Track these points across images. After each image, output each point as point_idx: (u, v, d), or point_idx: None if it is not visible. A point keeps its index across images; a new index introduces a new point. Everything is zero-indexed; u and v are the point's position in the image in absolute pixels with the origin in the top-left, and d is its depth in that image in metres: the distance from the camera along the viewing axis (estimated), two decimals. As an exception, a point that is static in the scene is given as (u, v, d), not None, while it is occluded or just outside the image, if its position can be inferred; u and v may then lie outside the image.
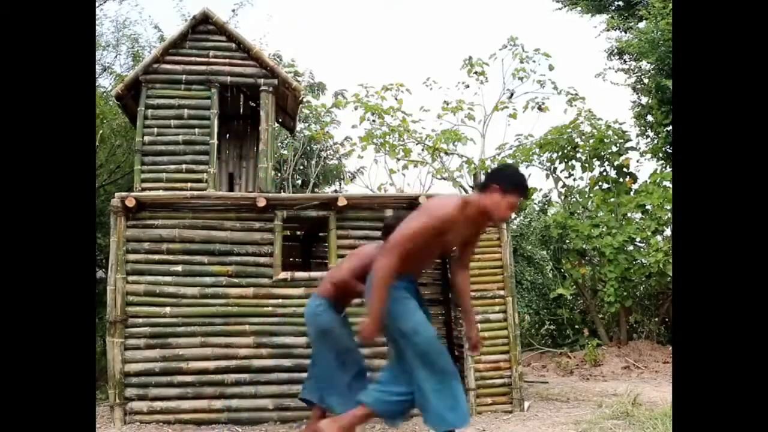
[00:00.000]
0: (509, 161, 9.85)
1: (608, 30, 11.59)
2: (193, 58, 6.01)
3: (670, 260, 7.69)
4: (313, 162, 10.99)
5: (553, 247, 9.16)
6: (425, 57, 34.17)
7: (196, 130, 5.86)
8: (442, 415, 2.80)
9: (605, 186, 9.01)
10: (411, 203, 5.48)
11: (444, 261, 7.16)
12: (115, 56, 10.90)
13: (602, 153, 9.00)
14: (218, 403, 4.93)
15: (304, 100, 9.76)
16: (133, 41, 10.93)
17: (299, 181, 11.29)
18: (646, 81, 10.15)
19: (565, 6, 12.83)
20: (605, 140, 8.94)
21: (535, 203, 10.10)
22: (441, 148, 10.50)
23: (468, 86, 10.92)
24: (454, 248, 3.15)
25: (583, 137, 9.16)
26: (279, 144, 11.14)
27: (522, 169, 10.06)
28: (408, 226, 2.78)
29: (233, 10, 11.41)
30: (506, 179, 2.81)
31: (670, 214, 8.07)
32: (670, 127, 9.30)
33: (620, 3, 11.90)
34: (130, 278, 5.06)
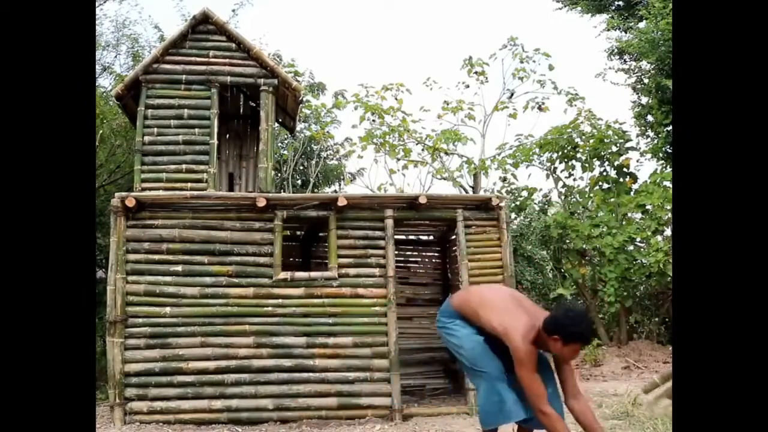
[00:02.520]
0: (509, 161, 9.84)
1: (608, 30, 11.58)
2: (193, 58, 6.01)
3: (670, 260, 7.68)
4: (313, 162, 10.98)
5: (553, 247, 9.16)
6: (425, 57, 34.14)
7: (196, 130, 5.86)
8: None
9: (605, 186, 9.01)
10: (411, 203, 5.49)
11: (444, 263, 7.17)
12: (115, 56, 10.90)
13: (602, 153, 9.00)
14: (218, 403, 4.93)
15: (304, 100, 9.76)
16: (133, 41, 10.92)
17: (299, 181, 11.28)
18: (646, 81, 10.15)
19: (565, 6, 12.82)
20: (605, 140, 8.94)
21: (535, 203, 10.09)
22: (441, 148, 10.50)
23: (468, 86, 10.92)
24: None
25: (583, 137, 9.17)
26: (279, 144, 11.13)
27: (522, 169, 10.09)
28: (534, 382, 2.96)
29: (233, 10, 11.41)
30: (565, 331, 2.82)
31: (670, 214, 8.07)
32: (670, 127, 9.29)
33: (620, 3, 11.89)
34: (130, 278, 5.06)
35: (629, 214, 8.74)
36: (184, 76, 5.95)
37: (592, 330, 2.99)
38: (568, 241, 8.90)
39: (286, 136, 11.12)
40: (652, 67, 9.70)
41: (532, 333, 2.93)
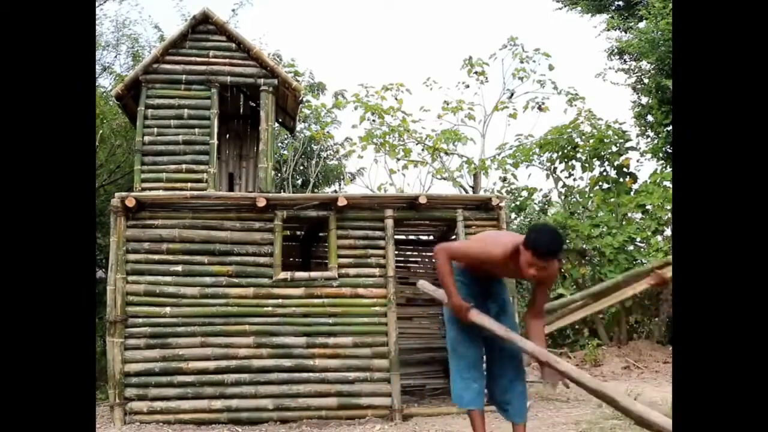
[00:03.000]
0: (509, 161, 9.85)
1: (608, 30, 11.60)
2: (193, 58, 6.01)
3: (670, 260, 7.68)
4: (313, 162, 10.99)
5: (553, 247, 9.14)
6: (425, 57, 34.11)
7: (196, 130, 5.86)
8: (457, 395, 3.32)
9: (605, 186, 9.01)
10: (411, 203, 5.49)
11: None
12: (115, 56, 10.91)
13: (602, 153, 9.00)
14: (218, 403, 4.92)
15: (304, 100, 9.76)
16: (133, 41, 10.94)
17: (299, 181, 11.29)
18: (646, 81, 10.16)
19: (565, 6, 12.84)
20: (605, 140, 8.94)
21: (535, 203, 10.10)
22: (441, 148, 10.51)
23: (468, 86, 10.94)
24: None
25: (583, 137, 9.17)
26: (279, 144, 11.13)
27: (522, 169, 10.10)
28: (461, 244, 3.23)
29: (233, 10, 11.43)
30: (531, 242, 2.90)
31: (670, 214, 8.07)
32: (670, 127, 9.30)
33: (620, 3, 11.91)
34: (130, 278, 5.06)
35: (629, 214, 8.75)
36: (184, 76, 5.94)
37: (557, 245, 2.99)
38: (568, 241, 8.90)
39: (286, 136, 11.13)
40: (652, 67, 9.71)
41: (512, 245, 3.04)
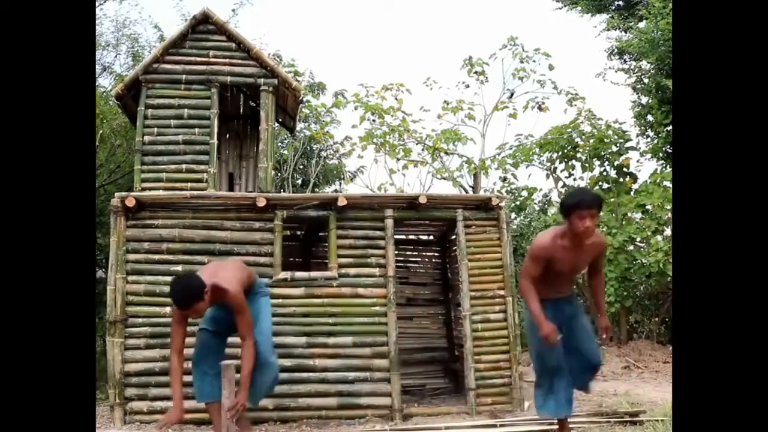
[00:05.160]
0: (509, 161, 9.85)
1: (608, 30, 11.60)
2: (193, 58, 6.00)
3: (670, 260, 7.68)
4: (313, 162, 10.99)
5: (553, 247, 9.14)
6: (425, 57, 34.08)
7: (196, 130, 5.85)
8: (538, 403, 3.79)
9: (605, 186, 9.01)
10: (411, 203, 5.49)
11: (444, 263, 7.18)
12: (115, 56, 10.91)
13: (602, 153, 9.00)
14: (218, 403, 4.91)
15: (304, 99, 9.76)
16: (133, 41, 10.93)
17: (299, 181, 11.29)
18: (646, 81, 10.16)
19: (565, 6, 12.84)
20: (605, 140, 8.93)
21: (535, 203, 10.10)
22: (441, 148, 10.51)
23: (468, 86, 10.94)
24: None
25: (583, 137, 9.16)
26: (279, 144, 11.13)
27: (522, 169, 10.12)
28: (524, 265, 3.62)
29: (233, 10, 11.43)
30: (561, 208, 3.45)
31: (670, 214, 8.07)
32: (670, 127, 9.30)
33: (620, 3, 11.91)
34: (130, 278, 5.06)
35: (629, 214, 8.74)
36: (184, 76, 5.94)
37: (586, 194, 3.48)
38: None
39: (286, 136, 11.13)
40: (652, 67, 9.71)
41: (556, 229, 3.58)
